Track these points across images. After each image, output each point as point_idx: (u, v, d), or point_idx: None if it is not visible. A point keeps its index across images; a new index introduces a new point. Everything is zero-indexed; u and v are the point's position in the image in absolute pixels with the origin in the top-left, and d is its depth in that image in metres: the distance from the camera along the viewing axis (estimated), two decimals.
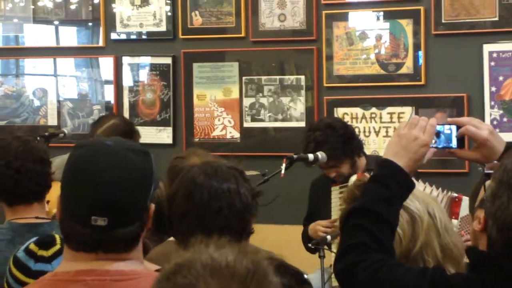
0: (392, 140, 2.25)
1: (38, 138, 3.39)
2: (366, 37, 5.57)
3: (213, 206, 2.32)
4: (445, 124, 2.33)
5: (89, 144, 1.97)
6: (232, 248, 1.34)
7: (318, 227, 4.38)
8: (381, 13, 5.53)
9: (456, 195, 3.92)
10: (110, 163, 1.88)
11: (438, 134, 2.30)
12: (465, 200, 3.88)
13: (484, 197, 2.04)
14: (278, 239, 5.22)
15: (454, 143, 2.32)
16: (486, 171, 2.17)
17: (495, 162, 2.23)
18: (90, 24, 6.30)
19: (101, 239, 1.85)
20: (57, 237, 2.55)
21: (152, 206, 1.93)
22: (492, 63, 5.27)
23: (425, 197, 2.36)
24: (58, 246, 2.51)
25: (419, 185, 3.94)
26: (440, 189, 3.96)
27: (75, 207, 1.88)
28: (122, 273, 1.87)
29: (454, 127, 2.32)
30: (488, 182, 2.03)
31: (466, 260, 2.26)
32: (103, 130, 4.46)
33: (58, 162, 3.30)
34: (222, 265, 1.30)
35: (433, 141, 2.26)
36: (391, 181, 2.15)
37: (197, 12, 5.95)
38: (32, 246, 2.50)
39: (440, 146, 2.33)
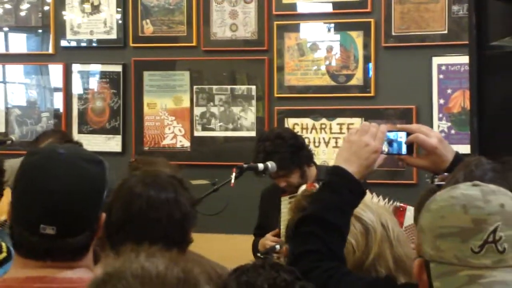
0: (343, 146, 2.25)
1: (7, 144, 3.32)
2: (317, 48, 5.60)
3: (151, 216, 2.30)
4: (395, 131, 2.34)
5: (41, 151, 1.95)
6: (163, 257, 1.33)
7: (267, 241, 4.38)
8: (332, 25, 5.57)
9: (400, 204, 3.95)
10: (61, 172, 1.87)
11: (388, 141, 2.31)
12: (410, 210, 3.91)
13: None
14: (228, 249, 5.21)
15: (404, 150, 2.34)
16: (437, 183, 2.18)
17: (446, 174, 2.25)
18: (40, 31, 6.23)
19: (50, 247, 1.85)
20: (4, 245, 2.52)
21: (103, 215, 1.92)
22: (441, 76, 5.34)
23: (378, 208, 2.37)
24: (4, 254, 2.49)
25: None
26: (381, 197, 3.99)
27: (24, 215, 1.87)
28: (69, 281, 1.86)
29: (404, 134, 2.33)
30: None
31: None
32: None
33: (7, 167, 3.25)
34: (153, 275, 1.29)
35: (384, 147, 2.28)
36: (342, 188, 2.15)
37: (148, 21, 5.93)
38: None
39: (390, 153, 2.33)
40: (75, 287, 1.85)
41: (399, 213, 3.92)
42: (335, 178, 2.18)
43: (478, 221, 1.55)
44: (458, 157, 2.33)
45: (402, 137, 2.33)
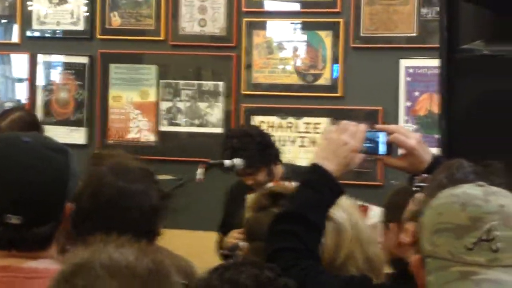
0: (321, 144, 2.25)
1: None
2: (286, 47, 5.59)
3: (120, 205, 2.27)
4: (374, 131, 2.34)
5: (4, 139, 1.92)
6: (132, 248, 1.31)
7: (231, 239, 4.36)
8: (301, 24, 5.57)
9: (361, 203, 3.95)
10: (26, 160, 1.84)
11: (367, 140, 2.30)
12: (372, 209, 3.91)
13: (415, 210, 2.04)
14: (192, 245, 5.18)
15: (382, 150, 2.34)
16: (417, 184, 2.18)
17: (425, 175, 2.25)
18: (3, 20, 6.14)
19: (15, 237, 1.82)
20: None
21: (69, 205, 1.90)
22: (408, 78, 5.36)
23: (349, 207, 2.36)
24: None
25: None
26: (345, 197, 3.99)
27: None
28: (36, 271, 1.84)
29: (382, 134, 2.33)
30: (418, 195, 2.04)
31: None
32: (8, 122, 4.34)
33: None
34: (122, 265, 1.28)
35: (362, 147, 2.27)
36: (319, 186, 2.15)
37: (116, 13, 5.87)
38: None
39: (368, 152, 2.33)
40: (41, 277, 1.82)
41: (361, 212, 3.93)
42: (314, 176, 2.18)
43: (474, 219, 1.54)
44: (437, 159, 2.33)
45: (380, 137, 2.33)
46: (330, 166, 2.18)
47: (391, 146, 2.35)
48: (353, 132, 2.23)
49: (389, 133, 2.34)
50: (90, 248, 1.30)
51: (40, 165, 1.85)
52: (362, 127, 2.26)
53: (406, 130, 2.38)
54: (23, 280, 1.83)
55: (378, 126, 2.40)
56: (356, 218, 2.33)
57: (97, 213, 2.24)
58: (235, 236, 4.33)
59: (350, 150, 2.20)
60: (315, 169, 2.20)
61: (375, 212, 3.89)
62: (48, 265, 1.86)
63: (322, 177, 2.17)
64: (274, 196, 2.52)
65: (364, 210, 3.90)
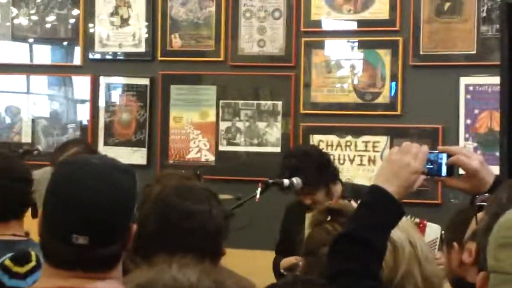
0: (383, 165, 2.25)
1: (22, 153, 3.34)
2: (344, 66, 5.60)
3: (185, 227, 2.31)
4: (436, 153, 2.33)
5: (74, 161, 1.96)
6: (195, 268, 1.33)
7: (288, 262, 4.36)
8: (360, 43, 5.57)
9: (419, 220, 3.93)
10: (94, 182, 1.87)
11: (429, 162, 2.30)
12: (429, 226, 3.89)
13: (476, 229, 2.04)
14: (249, 265, 5.20)
15: (444, 172, 2.33)
16: (478, 203, 2.17)
17: (487, 194, 2.24)
18: (65, 43, 6.27)
19: (82, 257, 1.84)
20: (33, 254, 2.53)
21: (134, 226, 1.92)
22: (468, 96, 5.32)
23: (406, 226, 2.36)
24: (33, 263, 2.50)
25: None
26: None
27: (56, 224, 1.87)
28: None
29: (444, 156, 2.32)
30: (480, 215, 2.03)
31: None
32: (64, 158, 4.41)
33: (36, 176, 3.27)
34: (185, 286, 1.29)
35: (424, 168, 2.26)
36: (380, 208, 2.14)
37: (176, 35, 5.95)
38: (7, 262, 2.49)
39: (430, 174, 2.32)
40: None
41: (419, 229, 3.91)
42: (374, 197, 2.17)
43: None
44: (498, 180, 2.31)
45: (442, 158, 2.32)
46: (391, 187, 2.17)
47: (453, 168, 2.34)
48: (415, 154, 2.22)
49: (451, 154, 2.33)
50: (154, 269, 1.32)
51: (107, 186, 1.87)
52: (424, 148, 2.25)
53: (468, 152, 2.36)
54: None
55: (440, 147, 2.39)
56: (413, 237, 2.32)
57: (162, 235, 2.28)
58: (291, 260, 4.32)
59: (412, 172, 2.19)
60: (375, 191, 2.19)
61: (433, 230, 3.87)
62: (113, 285, 1.88)
63: (382, 199, 2.16)
64: (330, 212, 2.54)
65: (422, 227, 3.88)
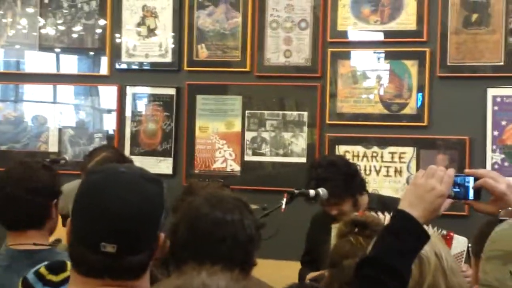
0: (408, 189, 2.22)
1: (48, 164, 3.36)
2: (371, 76, 5.59)
3: (217, 236, 2.31)
4: (462, 176, 2.31)
5: (103, 170, 1.97)
6: (224, 275, 1.33)
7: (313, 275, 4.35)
8: (387, 54, 5.56)
9: (445, 232, 3.90)
10: (122, 191, 1.88)
11: (455, 185, 2.27)
12: (457, 239, 3.86)
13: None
14: (274, 275, 5.19)
15: (471, 195, 2.31)
16: (500, 218, 2.16)
17: (510, 208, 2.22)
18: (92, 53, 6.31)
19: (109, 266, 1.85)
20: (68, 264, 2.54)
21: (162, 235, 1.93)
22: (496, 108, 5.29)
23: (432, 238, 2.34)
24: (68, 273, 2.50)
25: None
26: (429, 226, 3.95)
27: (85, 233, 1.88)
28: None
29: (471, 179, 2.30)
30: None
31: None
32: (94, 164, 4.44)
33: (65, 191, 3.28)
34: None
35: (450, 192, 2.24)
36: (405, 233, 2.12)
37: (203, 45, 5.98)
38: (42, 270, 2.51)
39: (456, 197, 2.30)
40: None
41: (446, 242, 3.88)
42: (398, 222, 2.16)
43: None
44: None
45: (469, 181, 2.30)
46: (416, 212, 2.15)
47: (480, 191, 2.32)
48: (441, 177, 2.20)
49: (478, 177, 2.31)
50: (183, 276, 1.33)
51: (135, 195, 1.88)
52: (450, 171, 2.23)
53: (496, 175, 2.33)
54: None
55: (467, 171, 2.36)
56: (439, 248, 2.31)
57: (193, 244, 2.28)
58: (318, 274, 4.30)
59: (437, 195, 2.18)
60: (400, 216, 2.17)
61: (460, 242, 3.84)
62: None
63: (407, 224, 2.14)
64: (355, 224, 2.53)
65: (449, 239, 3.85)
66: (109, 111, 6.28)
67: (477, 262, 2.77)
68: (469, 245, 3.77)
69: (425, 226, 3.87)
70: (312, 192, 4.24)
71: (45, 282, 2.47)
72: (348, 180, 4.35)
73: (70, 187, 3.28)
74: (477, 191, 2.32)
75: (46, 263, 2.52)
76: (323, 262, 4.31)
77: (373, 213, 3.93)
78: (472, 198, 2.31)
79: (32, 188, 3.01)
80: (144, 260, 1.88)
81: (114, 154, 4.65)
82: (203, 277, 1.31)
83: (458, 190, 2.29)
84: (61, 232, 3.63)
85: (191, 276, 1.32)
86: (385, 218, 3.88)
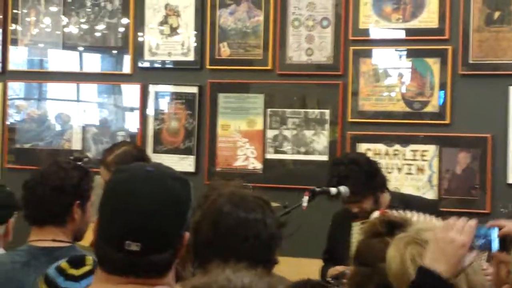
0: (430, 245, 2.19)
1: (80, 162, 3.40)
2: (393, 74, 5.59)
3: (239, 234, 2.34)
4: (485, 227, 2.25)
5: (129, 169, 1.99)
6: (249, 272, 1.35)
7: (336, 272, 4.35)
8: (409, 52, 5.56)
9: None
10: (148, 189, 1.89)
11: (479, 236, 2.22)
12: None
13: None
14: (295, 272, 5.20)
15: (495, 246, 2.26)
16: None
17: None
18: (115, 51, 6.35)
19: (134, 264, 1.86)
20: (89, 258, 2.58)
21: (187, 234, 1.94)
22: None
23: None
24: (88, 267, 2.54)
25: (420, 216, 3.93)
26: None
27: (110, 231, 1.90)
28: None
29: (495, 229, 2.25)
30: None
31: None
32: (113, 157, 4.47)
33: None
34: (238, 286, 1.31)
35: (474, 242, 2.19)
36: None
37: (225, 44, 6.00)
38: (64, 264, 2.54)
39: (481, 248, 2.25)
40: None
41: None
42: (422, 279, 2.13)
43: None
44: None
45: (493, 232, 2.25)
46: (439, 267, 2.13)
47: (505, 241, 2.27)
48: (461, 227, 2.17)
49: (501, 227, 2.26)
50: (209, 273, 1.35)
51: (161, 194, 1.89)
52: (471, 222, 2.20)
53: None
54: None
55: (491, 222, 2.30)
56: None
57: (216, 243, 2.30)
58: (339, 269, 4.31)
59: (458, 247, 2.15)
60: (423, 273, 2.15)
61: None
62: None
63: (431, 280, 2.12)
64: (391, 225, 2.52)
65: None
66: (132, 110, 6.32)
67: (498, 261, 2.77)
68: None
69: (439, 220, 3.86)
70: (333, 190, 4.25)
71: (66, 276, 2.50)
72: (369, 178, 4.36)
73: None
74: (502, 241, 2.27)
75: (66, 258, 2.56)
76: (345, 259, 4.34)
77: (394, 212, 3.94)
78: (497, 248, 2.26)
79: (56, 186, 3.06)
80: (168, 258, 1.90)
81: (134, 149, 4.68)
82: (228, 273, 1.34)
83: (483, 241, 2.23)
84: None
85: (216, 273, 1.35)
86: (407, 216, 3.89)
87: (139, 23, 6.24)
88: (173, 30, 6.15)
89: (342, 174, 4.34)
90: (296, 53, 5.82)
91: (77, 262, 2.53)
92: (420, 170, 5.47)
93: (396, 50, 5.60)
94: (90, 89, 6.46)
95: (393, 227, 2.54)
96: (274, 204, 4.40)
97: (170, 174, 1.95)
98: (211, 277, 1.34)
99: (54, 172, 3.09)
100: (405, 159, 5.52)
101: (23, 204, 3.11)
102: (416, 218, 3.94)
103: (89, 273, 2.50)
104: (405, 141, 5.52)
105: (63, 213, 3.07)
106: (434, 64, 5.47)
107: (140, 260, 1.86)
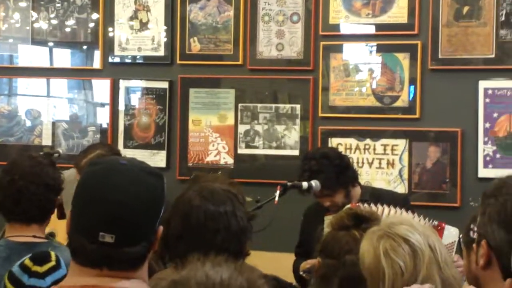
0: None
1: (54, 156, 3.41)
2: (363, 69, 5.62)
3: (210, 227, 2.35)
4: None
5: (103, 162, 1.99)
6: (228, 267, 1.35)
7: (308, 265, 4.37)
8: (378, 47, 5.59)
9: (437, 222, 3.92)
10: (122, 182, 1.89)
11: None
12: (448, 229, 3.88)
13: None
14: (268, 267, 5.21)
15: None
16: None
17: None
18: (84, 47, 6.32)
19: (108, 255, 1.86)
20: (53, 254, 2.57)
21: (161, 228, 1.94)
22: (487, 100, 5.32)
23: (425, 230, 2.36)
24: (53, 263, 2.53)
25: (396, 210, 3.96)
26: (421, 216, 3.97)
27: (84, 222, 1.90)
28: None
29: None
30: None
31: None
32: (87, 160, 4.46)
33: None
34: (216, 282, 1.32)
35: None
36: None
37: (195, 39, 5.99)
38: (27, 262, 2.53)
39: None
40: None
41: (437, 232, 3.90)
42: None
43: None
44: None
45: None
46: None
47: None
48: None
49: None
50: (188, 267, 1.35)
51: (135, 186, 1.90)
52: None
53: None
54: None
55: None
56: (433, 241, 2.33)
57: (187, 236, 2.31)
58: (311, 262, 4.33)
59: None
60: None
61: (451, 233, 3.87)
62: (138, 285, 1.90)
63: None
64: (358, 218, 2.54)
65: (440, 230, 3.88)
66: (102, 105, 6.30)
67: (469, 252, 2.79)
68: (460, 235, 3.80)
69: (415, 216, 3.89)
70: (305, 184, 4.27)
71: (30, 273, 2.49)
72: (340, 172, 4.38)
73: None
74: None
75: (29, 255, 2.55)
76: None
77: (366, 205, 3.97)
78: None
79: (45, 184, 3.06)
80: (142, 251, 1.90)
81: (108, 152, 4.67)
82: (207, 268, 1.34)
83: None
84: (53, 225, 3.65)
85: (196, 267, 1.34)
86: (378, 210, 3.91)
87: (109, 18, 6.21)
88: (143, 25, 6.13)
89: (313, 168, 4.36)
90: (267, 48, 5.83)
91: (40, 258, 2.52)
92: (391, 164, 5.50)
93: (366, 45, 5.62)
94: (60, 85, 6.42)
95: (360, 221, 2.55)
96: (246, 199, 4.42)
97: (144, 168, 1.96)
98: (189, 272, 1.33)
99: (37, 168, 3.08)
100: (376, 153, 5.55)
101: (11, 201, 3.06)
102: (387, 212, 3.98)
103: (53, 269, 2.49)
104: (376, 135, 5.55)
105: (48, 211, 3.09)
106: (404, 59, 5.51)
107: (114, 252, 1.86)
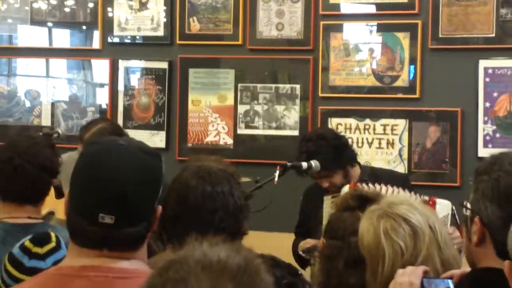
0: None
1: (54, 137, 3.39)
2: (363, 49, 5.60)
3: (208, 207, 2.35)
4: (440, 278, 2.20)
5: (102, 141, 1.98)
6: (226, 246, 1.36)
7: (306, 244, 4.37)
8: (379, 26, 5.57)
9: (428, 198, 3.91)
10: (121, 162, 1.89)
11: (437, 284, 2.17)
12: (440, 203, 3.87)
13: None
14: (268, 247, 5.22)
15: None
16: None
17: None
18: (84, 27, 6.31)
19: (107, 236, 1.86)
20: (53, 235, 2.56)
21: (159, 208, 1.94)
22: (487, 79, 5.31)
23: (425, 210, 2.36)
24: (53, 244, 2.53)
25: (380, 187, 3.96)
26: (412, 192, 3.97)
27: (83, 203, 1.89)
28: (125, 271, 1.87)
29: (450, 281, 2.19)
30: None
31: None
32: (90, 134, 4.46)
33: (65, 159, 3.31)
34: (214, 261, 1.33)
35: None
36: None
37: (195, 18, 5.97)
38: (27, 243, 2.53)
39: None
40: (131, 277, 1.86)
41: (428, 207, 3.90)
42: None
43: None
44: None
45: (449, 283, 2.18)
46: None
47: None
48: (409, 272, 2.15)
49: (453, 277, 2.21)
50: (186, 246, 1.36)
51: (134, 167, 1.89)
52: (420, 268, 2.17)
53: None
54: (112, 280, 1.86)
55: (444, 274, 2.24)
56: (433, 221, 2.33)
57: (185, 216, 2.31)
58: (310, 242, 4.34)
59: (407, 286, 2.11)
60: None
61: (443, 206, 3.86)
62: (138, 266, 1.90)
63: None
64: (363, 199, 2.54)
65: (432, 205, 3.88)
66: (101, 85, 6.29)
67: (467, 228, 2.79)
68: (453, 207, 3.80)
69: (407, 192, 3.89)
70: (304, 164, 4.26)
71: (31, 255, 2.49)
72: (337, 153, 4.36)
73: (64, 158, 3.32)
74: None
75: (29, 236, 2.54)
76: (316, 233, 4.35)
77: (364, 185, 3.97)
78: None
79: (41, 164, 3.04)
80: (141, 231, 1.89)
81: (110, 126, 4.68)
82: (205, 248, 1.34)
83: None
84: (52, 204, 3.65)
85: (193, 247, 1.35)
86: (376, 189, 3.91)
87: None
88: (143, 5, 6.10)
89: (311, 149, 4.35)
90: (267, 28, 5.81)
91: (40, 239, 2.51)
92: (391, 144, 5.50)
93: (366, 25, 5.61)
94: (59, 65, 6.41)
95: (365, 201, 2.55)
96: (245, 179, 4.42)
97: (143, 148, 1.95)
98: (187, 251, 1.34)
99: (35, 149, 3.06)
100: (376, 133, 5.55)
101: (5, 179, 3.05)
102: (386, 191, 3.98)
103: (54, 250, 2.49)
104: (376, 115, 5.54)
105: (44, 192, 3.07)
106: (404, 38, 5.49)
107: (114, 233, 1.86)
